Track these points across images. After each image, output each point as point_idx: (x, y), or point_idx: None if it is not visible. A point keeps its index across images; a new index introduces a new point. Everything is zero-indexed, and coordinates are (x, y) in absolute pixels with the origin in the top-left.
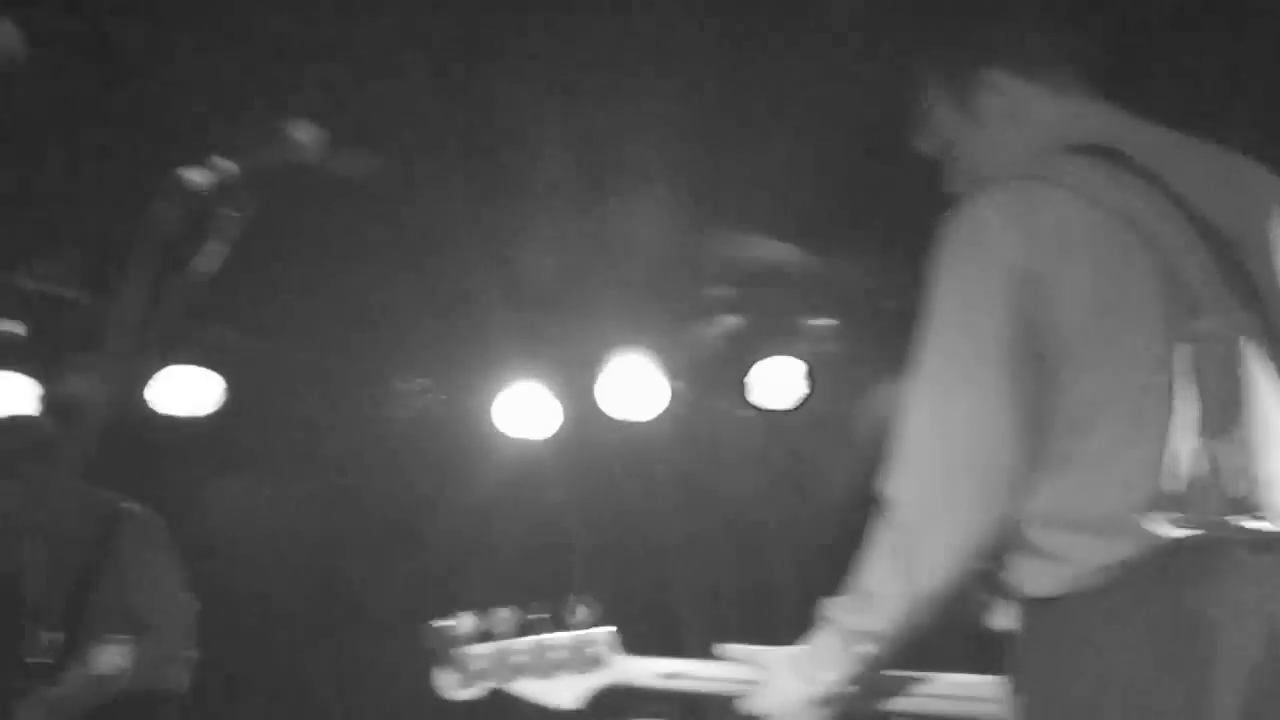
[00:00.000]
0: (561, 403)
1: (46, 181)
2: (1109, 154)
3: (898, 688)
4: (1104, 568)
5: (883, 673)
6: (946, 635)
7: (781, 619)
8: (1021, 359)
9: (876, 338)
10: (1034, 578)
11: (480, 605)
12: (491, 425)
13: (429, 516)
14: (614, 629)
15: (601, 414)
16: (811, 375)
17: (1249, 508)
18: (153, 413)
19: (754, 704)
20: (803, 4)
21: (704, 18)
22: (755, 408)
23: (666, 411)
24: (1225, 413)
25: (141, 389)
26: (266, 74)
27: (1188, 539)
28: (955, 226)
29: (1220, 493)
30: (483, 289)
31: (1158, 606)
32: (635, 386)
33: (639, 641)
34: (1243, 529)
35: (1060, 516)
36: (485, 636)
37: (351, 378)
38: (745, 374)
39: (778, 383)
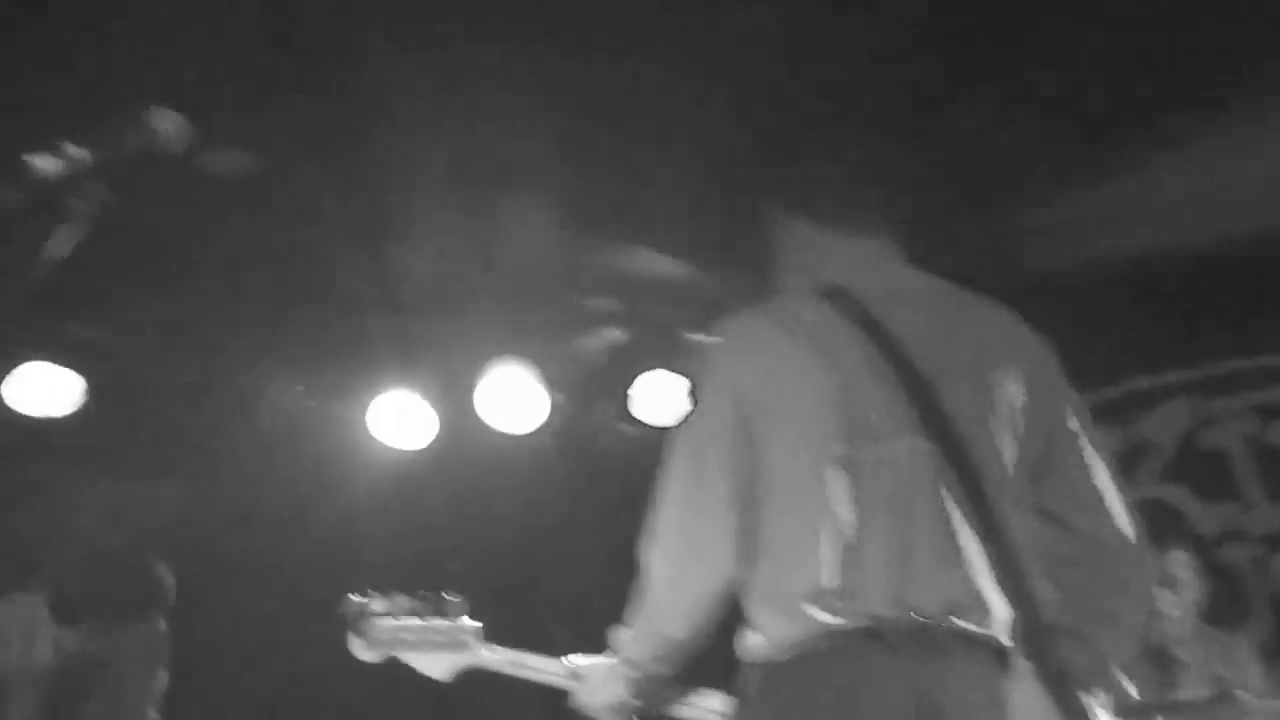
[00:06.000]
0: (438, 411)
1: None
2: (843, 297)
3: (679, 698)
4: (784, 644)
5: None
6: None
7: None
8: (739, 457)
9: None
10: (745, 645)
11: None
12: (365, 433)
13: (299, 525)
14: (480, 625)
15: (480, 424)
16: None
17: (900, 604)
18: (9, 411)
19: (577, 700)
20: (690, 17)
21: (591, 22)
22: (638, 422)
23: (546, 424)
24: (882, 525)
25: None
26: (131, 59)
27: (844, 626)
28: (707, 348)
29: (871, 590)
30: (359, 293)
31: (822, 681)
32: (514, 397)
33: (502, 640)
34: (890, 620)
35: (762, 595)
36: (387, 614)
37: (219, 380)
38: (627, 388)
39: (660, 398)
